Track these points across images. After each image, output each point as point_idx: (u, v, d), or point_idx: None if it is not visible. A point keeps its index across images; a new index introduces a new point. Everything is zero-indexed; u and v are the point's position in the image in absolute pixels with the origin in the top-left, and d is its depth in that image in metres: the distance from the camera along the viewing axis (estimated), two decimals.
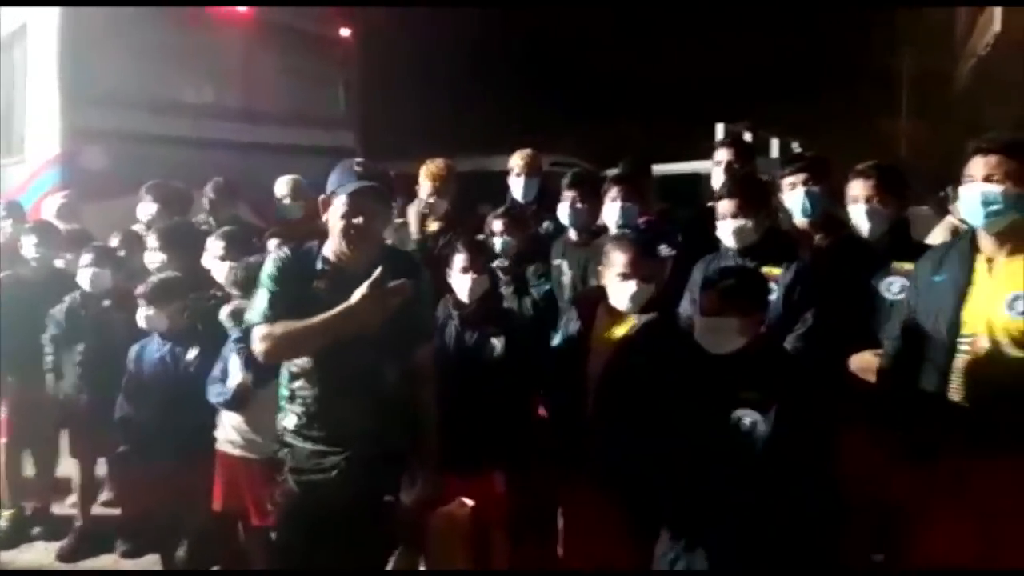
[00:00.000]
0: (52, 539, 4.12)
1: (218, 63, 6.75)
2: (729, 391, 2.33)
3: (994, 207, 2.29)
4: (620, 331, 2.81)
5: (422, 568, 3.26)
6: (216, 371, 3.22)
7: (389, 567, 2.76)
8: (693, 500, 2.35)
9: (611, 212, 3.52)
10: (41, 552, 4.05)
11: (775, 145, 8.26)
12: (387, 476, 2.48)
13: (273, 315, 2.36)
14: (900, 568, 2.59)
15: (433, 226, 4.01)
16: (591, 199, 3.60)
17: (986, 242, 2.37)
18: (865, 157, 3.17)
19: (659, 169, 6.94)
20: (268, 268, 2.44)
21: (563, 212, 3.63)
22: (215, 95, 6.86)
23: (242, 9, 6.78)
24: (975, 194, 2.32)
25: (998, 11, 12.67)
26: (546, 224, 3.97)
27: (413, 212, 4.00)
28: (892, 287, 2.78)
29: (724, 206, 2.96)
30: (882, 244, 2.90)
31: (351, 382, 2.37)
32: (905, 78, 17.41)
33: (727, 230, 2.95)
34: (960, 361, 2.33)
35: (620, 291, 2.78)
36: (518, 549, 3.13)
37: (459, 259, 3.08)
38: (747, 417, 2.28)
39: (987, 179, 2.30)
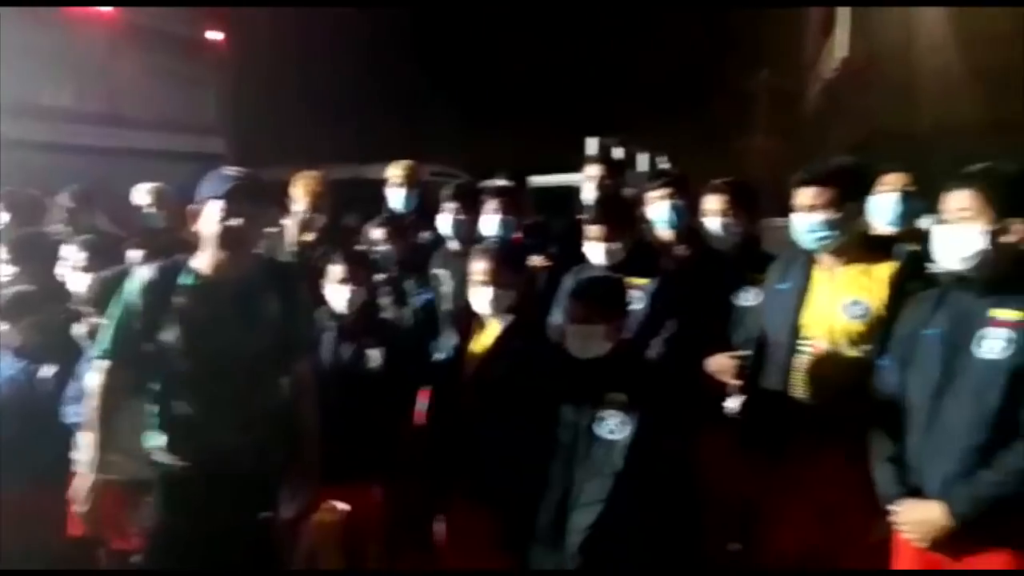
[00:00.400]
0: None
1: (76, 64, 6.35)
2: (595, 393, 2.45)
3: (820, 234, 2.49)
4: (487, 338, 2.89)
5: None
6: (72, 390, 3.05)
7: None
8: (558, 498, 2.44)
9: (490, 224, 3.61)
10: None
11: (643, 160, 8.63)
12: (264, 493, 2.44)
13: (113, 352, 2.32)
14: (756, 558, 2.78)
15: (308, 236, 3.94)
16: (472, 211, 3.67)
17: (823, 257, 2.57)
18: (721, 173, 3.42)
19: (534, 181, 7.15)
20: (128, 292, 2.35)
21: (445, 223, 3.67)
22: (73, 98, 6.45)
23: (104, 8, 6.44)
24: (802, 224, 2.52)
25: (846, 36, 13.64)
26: (425, 234, 4.00)
27: (291, 224, 3.92)
28: (744, 295, 3.00)
29: (593, 231, 3.07)
30: (735, 255, 3.13)
31: (226, 399, 2.32)
32: (761, 98, 18.53)
33: (597, 252, 3.07)
34: (800, 362, 2.53)
35: (479, 297, 2.86)
36: (394, 561, 3.14)
37: (336, 270, 3.03)
38: (612, 418, 2.41)
39: (811, 208, 2.49)
